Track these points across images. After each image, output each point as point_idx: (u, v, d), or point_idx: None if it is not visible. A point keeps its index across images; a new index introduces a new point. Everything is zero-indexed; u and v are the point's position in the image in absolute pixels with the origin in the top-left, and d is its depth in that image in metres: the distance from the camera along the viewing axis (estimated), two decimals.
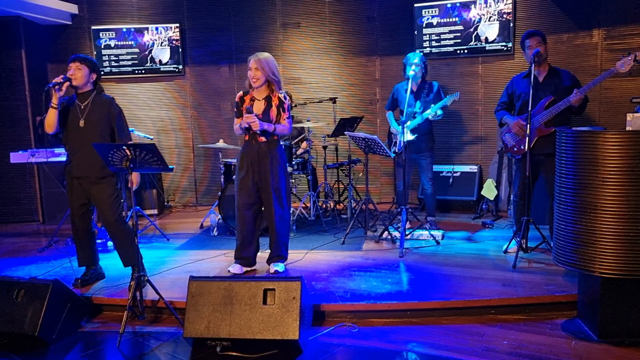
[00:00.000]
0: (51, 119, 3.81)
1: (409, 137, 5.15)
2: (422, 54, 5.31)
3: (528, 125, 4.17)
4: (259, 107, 4.04)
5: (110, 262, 4.50)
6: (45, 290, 3.30)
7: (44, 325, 3.22)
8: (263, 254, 4.38)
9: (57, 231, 5.47)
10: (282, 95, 4.07)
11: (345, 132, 5.39)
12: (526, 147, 4.19)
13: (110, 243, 5.14)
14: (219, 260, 4.64)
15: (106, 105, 3.96)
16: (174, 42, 7.09)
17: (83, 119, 3.86)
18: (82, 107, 3.89)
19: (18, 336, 3.26)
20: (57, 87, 3.74)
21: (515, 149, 4.58)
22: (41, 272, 4.45)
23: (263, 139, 4.05)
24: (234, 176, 5.53)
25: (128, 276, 4.02)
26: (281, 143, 4.26)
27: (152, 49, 7.12)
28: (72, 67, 3.87)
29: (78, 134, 3.87)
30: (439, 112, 5.10)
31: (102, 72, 7.00)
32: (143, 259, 3.99)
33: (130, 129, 4.24)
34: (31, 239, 5.81)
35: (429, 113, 5.08)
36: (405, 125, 4.92)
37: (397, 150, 4.95)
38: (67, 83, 3.80)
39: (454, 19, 6.49)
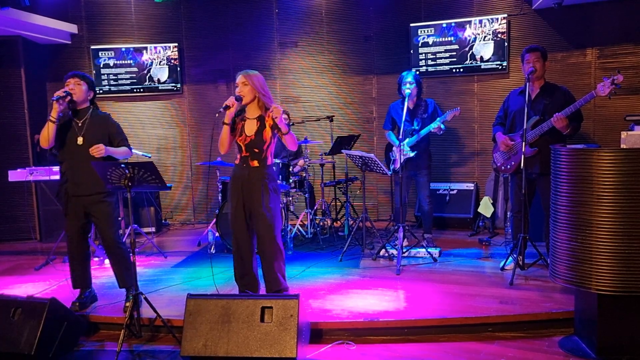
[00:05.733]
0: (47, 133, 3.75)
1: (409, 154, 5.19)
2: (415, 72, 5.36)
3: (523, 143, 4.20)
4: (251, 128, 3.73)
5: (108, 280, 4.50)
6: (42, 309, 3.28)
7: (40, 344, 3.20)
8: None
9: (54, 249, 5.45)
10: None
11: (342, 150, 5.42)
12: (522, 164, 4.21)
13: (107, 261, 5.13)
14: (217, 277, 4.63)
15: (104, 121, 3.96)
16: (172, 61, 7.15)
17: (81, 136, 3.84)
18: (80, 125, 3.87)
19: (14, 356, 3.23)
20: (60, 100, 3.73)
21: (503, 168, 4.62)
22: (38, 290, 4.43)
23: (255, 163, 3.71)
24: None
25: (125, 294, 4.01)
26: (277, 161, 3.93)
27: (150, 68, 7.18)
28: (71, 82, 3.86)
29: (76, 152, 3.84)
30: (442, 126, 5.13)
31: (101, 91, 7.08)
32: (140, 276, 3.95)
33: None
34: (28, 257, 5.79)
35: (432, 126, 5.09)
36: (403, 143, 4.95)
37: (396, 168, 4.94)
38: (69, 97, 3.80)
39: (449, 39, 6.57)
